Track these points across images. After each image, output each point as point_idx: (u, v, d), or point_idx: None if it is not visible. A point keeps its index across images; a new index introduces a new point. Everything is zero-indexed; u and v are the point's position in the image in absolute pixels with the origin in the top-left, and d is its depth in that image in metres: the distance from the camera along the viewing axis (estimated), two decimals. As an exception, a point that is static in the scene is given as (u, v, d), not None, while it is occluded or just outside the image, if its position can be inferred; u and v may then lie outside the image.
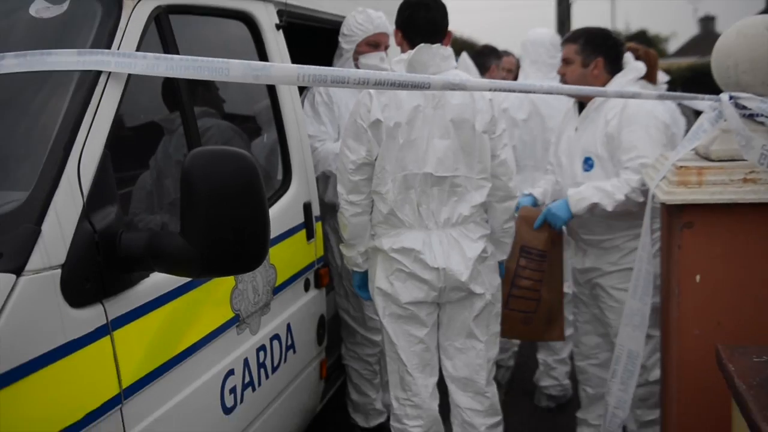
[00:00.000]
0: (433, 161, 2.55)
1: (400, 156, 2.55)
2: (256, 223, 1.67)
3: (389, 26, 3.32)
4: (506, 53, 4.99)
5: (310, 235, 2.76)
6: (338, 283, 3.38)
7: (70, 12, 1.90)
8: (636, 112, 2.91)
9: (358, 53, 3.27)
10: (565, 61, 3.19)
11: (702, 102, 2.42)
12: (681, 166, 2.20)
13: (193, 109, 2.18)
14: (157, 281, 1.85)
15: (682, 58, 32.32)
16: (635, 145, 2.90)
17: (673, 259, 2.35)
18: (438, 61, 2.56)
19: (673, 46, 50.88)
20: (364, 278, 2.84)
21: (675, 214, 2.28)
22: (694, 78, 16.52)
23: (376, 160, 2.57)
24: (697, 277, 2.28)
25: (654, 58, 3.72)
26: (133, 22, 1.93)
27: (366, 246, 2.75)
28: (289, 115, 2.67)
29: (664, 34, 56.23)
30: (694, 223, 2.19)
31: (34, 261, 1.49)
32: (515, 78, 5.10)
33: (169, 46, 2.08)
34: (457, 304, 2.67)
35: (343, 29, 3.29)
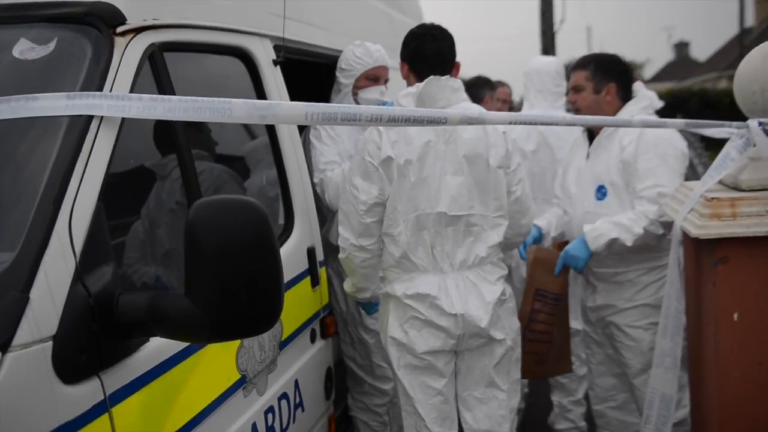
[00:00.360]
0: (447, 200, 2.40)
1: (411, 195, 2.39)
2: (269, 279, 1.49)
3: (388, 59, 3.20)
4: (500, 83, 4.90)
5: (314, 282, 2.58)
6: (343, 330, 3.19)
7: (57, 52, 1.74)
8: (653, 139, 2.80)
9: (357, 88, 3.14)
10: (575, 89, 3.07)
11: (724, 130, 2.30)
12: (712, 198, 2.07)
13: (189, 151, 2.02)
14: (159, 345, 1.66)
15: (659, 84, 32.89)
16: (653, 173, 2.79)
17: (707, 297, 2.21)
18: (448, 93, 2.42)
19: (648, 72, 51.85)
20: (377, 306, 2.72)
21: (706, 249, 2.14)
22: (673, 103, 16.74)
23: (387, 200, 2.42)
24: (735, 315, 2.14)
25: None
26: (126, 61, 1.78)
27: (376, 287, 2.59)
28: (289, 154, 2.51)
29: (639, 61, 57.39)
30: (729, 257, 2.05)
31: (22, 334, 1.30)
32: (510, 109, 5.01)
33: (164, 85, 1.92)
34: (476, 352, 2.50)
35: (341, 63, 3.16)
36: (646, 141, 2.83)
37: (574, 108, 3.11)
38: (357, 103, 3.15)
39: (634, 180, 2.85)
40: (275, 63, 2.56)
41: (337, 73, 3.19)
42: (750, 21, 32.10)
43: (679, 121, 2.11)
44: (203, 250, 1.42)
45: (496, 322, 2.46)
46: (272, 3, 2.63)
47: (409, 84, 2.54)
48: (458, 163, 2.40)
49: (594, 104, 3.00)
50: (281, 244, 2.41)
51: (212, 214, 1.44)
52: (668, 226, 2.74)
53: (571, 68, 3.16)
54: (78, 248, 1.47)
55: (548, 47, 10.49)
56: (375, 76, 3.13)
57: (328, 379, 2.70)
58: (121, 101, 1.64)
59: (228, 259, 1.43)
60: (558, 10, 13.83)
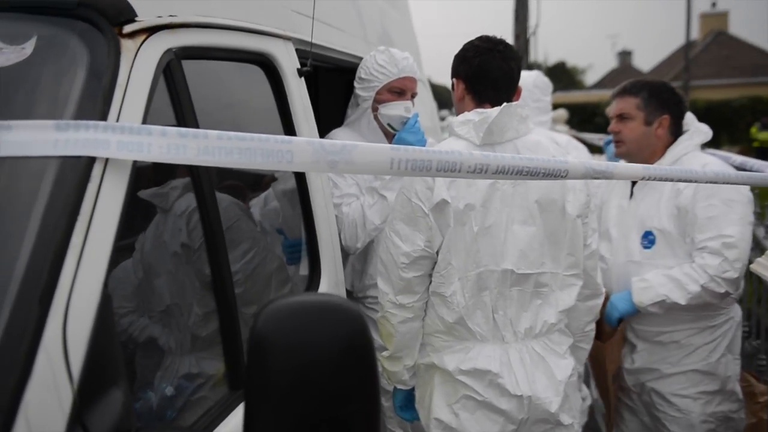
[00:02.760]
0: (515, 254, 1.95)
1: (472, 248, 1.93)
2: (368, 407, 1.02)
3: (417, 70, 2.72)
4: None
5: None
6: None
7: (38, 58, 1.21)
8: None
9: (378, 102, 2.64)
10: (621, 117, 2.68)
11: None
12: None
13: (200, 177, 1.49)
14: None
15: (602, 90, 33.31)
16: (716, 222, 2.41)
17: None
18: (516, 123, 1.98)
19: (591, 78, 52.85)
20: (409, 396, 2.20)
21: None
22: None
23: (437, 252, 1.95)
24: None
25: None
26: (137, 73, 1.26)
27: (415, 359, 2.12)
28: (317, 197, 2.01)
29: (582, 66, 58.50)
30: None
31: None
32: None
33: (184, 108, 1.41)
34: None
35: (360, 73, 2.67)
36: (707, 185, 2.44)
37: (616, 139, 2.72)
38: (377, 120, 2.67)
39: (694, 230, 2.46)
40: (300, 73, 2.05)
41: (356, 84, 2.69)
42: (695, 34, 32.98)
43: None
44: (279, 378, 0.93)
45: (565, 404, 2.03)
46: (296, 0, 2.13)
47: (466, 108, 2.08)
48: (529, 209, 1.95)
49: (643, 137, 2.64)
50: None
51: (292, 326, 0.95)
52: (733, 283, 2.39)
53: (616, 93, 2.75)
54: (76, 370, 0.96)
55: (522, 51, 10.19)
56: (400, 89, 2.63)
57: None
58: (136, 136, 1.12)
59: (313, 388, 0.95)
60: (533, 14, 13.61)
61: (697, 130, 2.67)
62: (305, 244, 2.01)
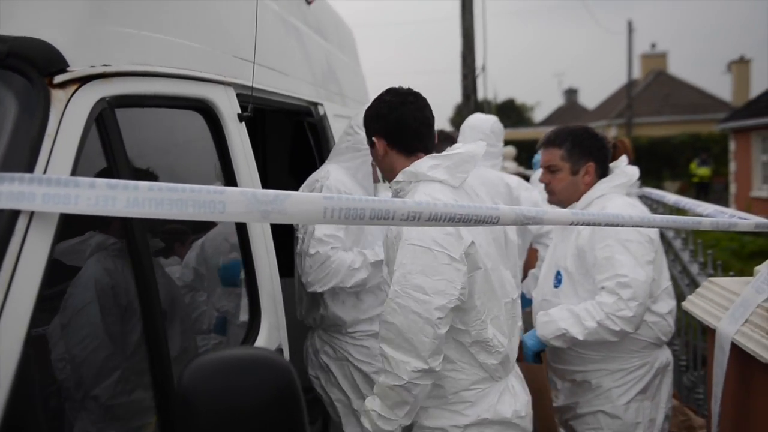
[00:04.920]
0: (513, 282, 2.10)
1: (490, 286, 1.99)
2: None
3: None
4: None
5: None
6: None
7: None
8: None
9: None
10: (549, 168, 2.71)
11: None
12: (784, 313, 1.77)
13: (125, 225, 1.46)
14: None
15: (549, 127, 34.20)
16: (612, 262, 2.42)
17: (759, 422, 1.90)
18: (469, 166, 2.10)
19: (539, 115, 54.28)
20: None
21: (763, 370, 1.82)
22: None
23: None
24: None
25: (628, 147, 3.41)
26: (67, 123, 1.25)
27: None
28: (258, 243, 2.00)
29: (530, 104, 60.06)
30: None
31: None
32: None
33: (117, 158, 1.40)
34: None
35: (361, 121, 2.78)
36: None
37: (547, 190, 2.77)
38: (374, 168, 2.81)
39: (594, 270, 2.49)
40: (241, 118, 2.06)
41: (356, 128, 2.76)
42: (636, 74, 34.28)
43: (749, 222, 1.81)
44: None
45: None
46: (237, 45, 2.14)
47: (389, 163, 2.15)
48: (504, 238, 2.12)
49: (572, 186, 2.68)
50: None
51: (217, 381, 0.94)
52: (628, 322, 2.38)
53: (541, 144, 2.80)
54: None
55: (469, 91, 10.42)
56: None
57: None
58: (63, 188, 1.11)
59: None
60: (479, 56, 13.98)
61: (621, 173, 2.70)
62: (245, 290, 1.99)
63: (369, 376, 2.68)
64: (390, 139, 2.12)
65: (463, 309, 1.92)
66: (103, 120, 1.37)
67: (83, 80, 1.32)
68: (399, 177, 2.08)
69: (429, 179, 2.00)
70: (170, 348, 1.46)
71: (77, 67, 1.31)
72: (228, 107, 2.00)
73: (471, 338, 1.95)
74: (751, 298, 1.88)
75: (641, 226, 1.62)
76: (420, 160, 2.05)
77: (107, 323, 1.41)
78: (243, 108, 2.09)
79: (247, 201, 1.23)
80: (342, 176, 2.75)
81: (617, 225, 1.52)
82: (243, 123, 2.09)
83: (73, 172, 1.23)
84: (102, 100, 1.37)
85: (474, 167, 2.05)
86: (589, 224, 1.55)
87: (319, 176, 2.80)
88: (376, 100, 2.19)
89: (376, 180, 2.86)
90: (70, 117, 1.26)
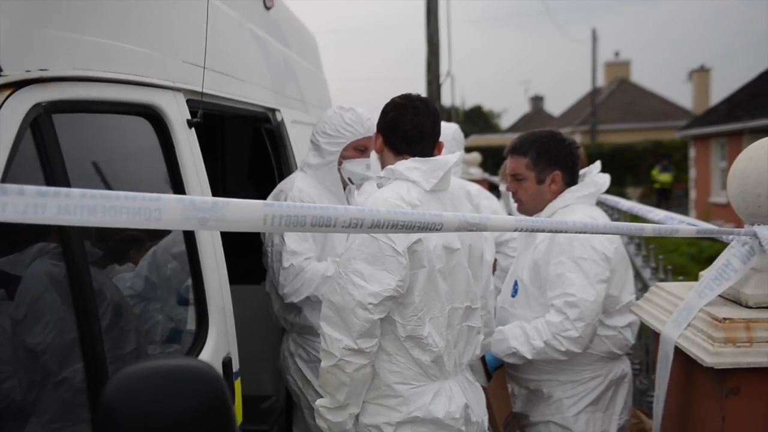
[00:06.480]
0: (469, 291, 2.14)
1: (442, 287, 2.06)
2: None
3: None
4: None
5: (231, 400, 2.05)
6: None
7: None
8: (568, 238, 2.42)
9: (342, 157, 2.81)
10: (515, 177, 2.66)
11: (730, 236, 2.02)
12: (724, 318, 1.80)
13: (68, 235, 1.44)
14: None
15: (515, 134, 34.61)
16: (562, 280, 2.41)
17: (699, 425, 1.94)
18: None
19: (506, 122, 54.86)
20: None
21: (715, 377, 1.85)
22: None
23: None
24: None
25: (582, 155, 3.43)
26: (0, 128, 1.23)
27: (360, 406, 2.06)
28: (206, 251, 1.98)
29: (497, 110, 60.64)
30: (741, 388, 1.78)
31: None
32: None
33: (53, 163, 1.37)
34: None
35: (326, 128, 2.80)
36: (560, 241, 2.45)
37: (514, 198, 2.73)
38: (340, 173, 2.85)
39: (546, 286, 2.48)
40: (190, 124, 2.05)
41: (319, 137, 2.81)
42: (600, 82, 34.87)
43: (691, 228, 1.85)
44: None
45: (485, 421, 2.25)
46: (187, 50, 2.13)
47: (384, 159, 2.25)
48: (466, 247, 2.15)
49: (538, 195, 2.63)
50: (196, 357, 1.88)
51: (144, 393, 0.93)
52: (574, 342, 2.38)
53: (507, 152, 2.74)
54: None
55: (434, 98, 10.48)
56: (364, 147, 2.83)
57: None
58: (-9, 196, 1.09)
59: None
60: (444, 62, 14.07)
61: (590, 182, 2.65)
62: (193, 299, 1.97)
63: None
64: (384, 135, 2.25)
65: (401, 303, 1.99)
66: (39, 125, 1.35)
67: (17, 85, 1.30)
68: (382, 173, 2.19)
69: (404, 178, 2.11)
70: (108, 356, 1.44)
71: (11, 73, 1.29)
72: (176, 113, 1.99)
73: (405, 332, 2.01)
74: (694, 303, 1.92)
75: (584, 233, 1.64)
76: (404, 160, 2.15)
77: (40, 330, 1.39)
78: (193, 114, 2.07)
79: (184, 208, 1.22)
80: (305, 186, 2.77)
81: (560, 231, 1.54)
82: (193, 129, 2.08)
83: (4, 179, 1.21)
84: (38, 105, 1.35)
85: (449, 174, 2.15)
86: (532, 230, 1.58)
87: (284, 186, 2.83)
88: (390, 99, 2.30)
89: (345, 185, 2.89)
90: (2, 122, 1.24)
